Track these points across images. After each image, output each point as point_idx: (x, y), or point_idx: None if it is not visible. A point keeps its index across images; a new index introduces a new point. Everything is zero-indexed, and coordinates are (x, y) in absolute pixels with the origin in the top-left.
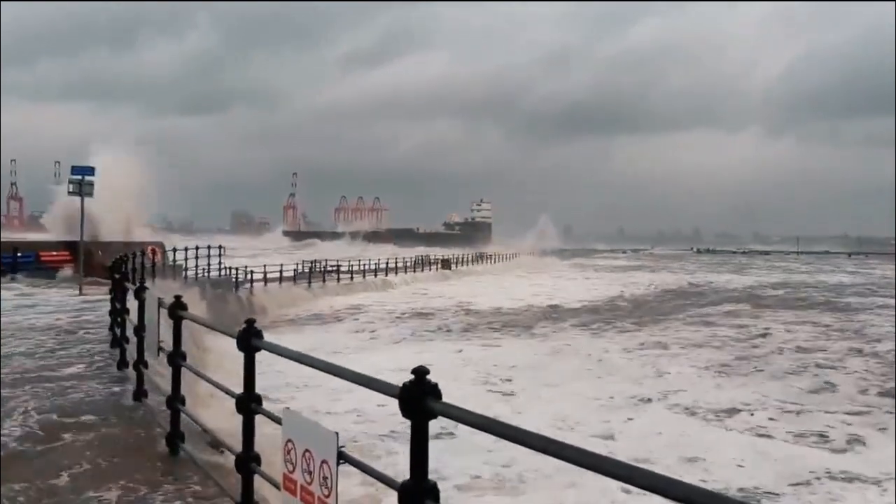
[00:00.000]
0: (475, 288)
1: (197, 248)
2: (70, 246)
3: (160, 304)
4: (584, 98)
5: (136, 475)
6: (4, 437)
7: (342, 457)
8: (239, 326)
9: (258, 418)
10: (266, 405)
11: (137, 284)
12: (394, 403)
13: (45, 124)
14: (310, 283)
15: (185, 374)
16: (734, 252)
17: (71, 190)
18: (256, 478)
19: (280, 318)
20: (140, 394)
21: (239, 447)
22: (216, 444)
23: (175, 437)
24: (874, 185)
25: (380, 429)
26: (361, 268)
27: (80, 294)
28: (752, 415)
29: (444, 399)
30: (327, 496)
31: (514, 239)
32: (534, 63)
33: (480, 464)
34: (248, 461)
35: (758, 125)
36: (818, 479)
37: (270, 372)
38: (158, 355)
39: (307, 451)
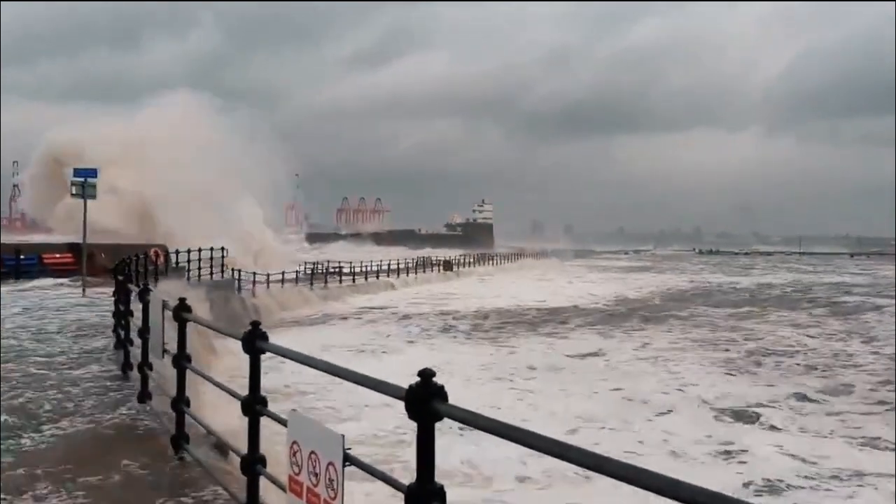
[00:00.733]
0: (502, 288)
1: (200, 249)
2: (73, 248)
3: (164, 306)
4: (585, 98)
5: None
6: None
7: (348, 458)
8: (244, 328)
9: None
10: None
11: (141, 286)
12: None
13: (45, 125)
14: (311, 284)
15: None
16: (736, 253)
17: (74, 192)
18: (262, 479)
19: (295, 319)
20: (144, 395)
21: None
22: (221, 446)
23: (180, 439)
24: (875, 185)
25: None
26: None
27: (84, 296)
28: None
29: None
30: (333, 498)
31: (515, 240)
32: (534, 63)
33: None
34: (253, 463)
35: (758, 125)
36: None
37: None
38: (163, 357)
39: (313, 452)
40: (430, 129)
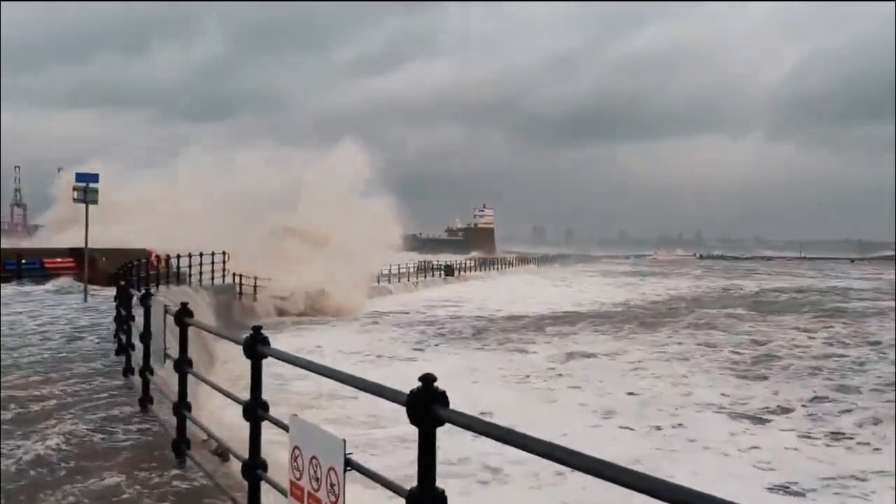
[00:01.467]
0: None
1: (201, 254)
2: (74, 253)
3: (166, 310)
4: (587, 103)
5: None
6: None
7: (349, 463)
8: (245, 333)
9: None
10: None
11: (143, 291)
12: None
13: (51, 130)
14: None
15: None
16: (737, 258)
17: (76, 197)
18: (263, 484)
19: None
20: (146, 400)
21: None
22: (222, 451)
23: (181, 444)
24: (877, 190)
25: None
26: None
27: (86, 301)
28: None
29: None
30: (335, 503)
31: (516, 244)
32: (538, 68)
33: None
34: (254, 468)
35: (760, 129)
36: None
37: None
38: (165, 362)
39: (314, 457)
40: (433, 133)
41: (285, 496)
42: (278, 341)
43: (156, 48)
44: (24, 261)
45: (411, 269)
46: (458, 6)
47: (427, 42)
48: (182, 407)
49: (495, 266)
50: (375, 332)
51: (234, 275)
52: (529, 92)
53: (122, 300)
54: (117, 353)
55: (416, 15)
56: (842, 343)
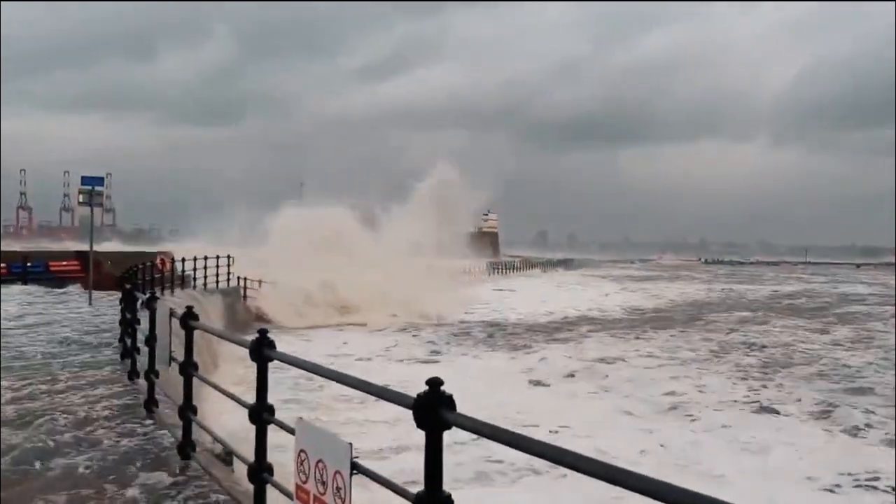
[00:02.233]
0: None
1: (206, 257)
2: (80, 256)
3: (171, 314)
4: (592, 108)
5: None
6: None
7: (356, 467)
8: (251, 336)
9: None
10: None
11: (148, 294)
12: None
13: (57, 133)
14: None
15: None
16: (741, 262)
17: (81, 200)
18: (269, 488)
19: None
20: (151, 403)
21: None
22: (226, 455)
23: (186, 447)
24: (882, 195)
25: None
26: None
27: (90, 305)
28: None
29: None
30: None
31: (520, 249)
32: (543, 74)
33: None
34: (260, 471)
35: (765, 135)
36: None
37: None
38: (170, 365)
39: (320, 461)
40: (438, 138)
41: (291, 499)
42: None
43: (163, 53)
44: (29, 263)
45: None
46: (465, 12)
47: (433, 47)
48: (187, 410)
49: (499, 270)
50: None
51: (238, 278)
52: (534, 96)
53: (128, 303)
54: (122, 356)
55: (422, 21)
56: None
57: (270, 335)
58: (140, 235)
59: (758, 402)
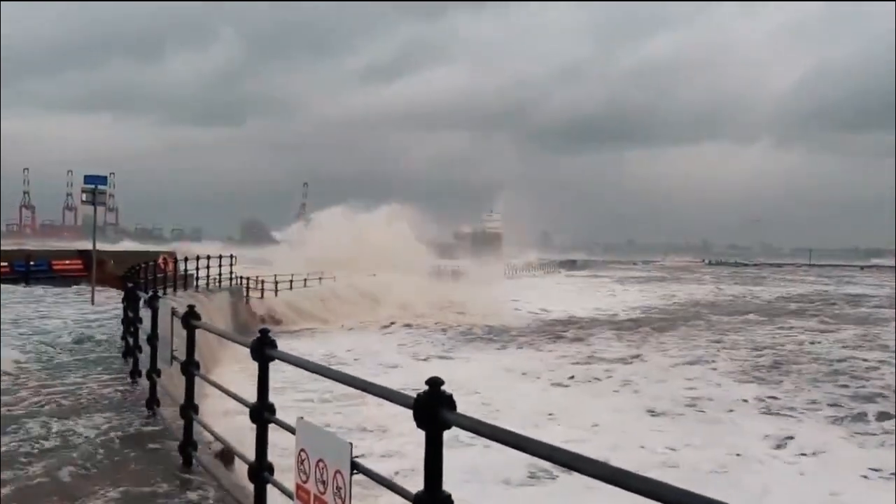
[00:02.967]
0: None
1: (209, 257)
2: (82, 255)
3: (173, 313)
4: (596, 110)
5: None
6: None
7: (356, 467)
8: (252, 336)
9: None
10: None
11: (150, 293)
12: None
13: (65, 134)
14: None
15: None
16: (745, 264)
17: (84, 199)
18: (270, 487)
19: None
20: (153, 402)
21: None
22: (226, 454)
23: (188, 446)
24: (884, 197)
25: None
26: None
27: (93, 304)
28: None
29: None
30: None
31: (524, 249)
32: (547, 76)
33: None
34: (261, 470)
35: (768, 137)
36: None
37: None
38: (171, 364)
39: (321, 460)
40: (442, 140)
41: (292, 499)
42: None
43: (169, 54)
44: (32, 262)
45: None
46: (469, 14)
47: (438, 50)
48: (189, 409)
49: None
50: None
51: (239, 278)
52: (538, 99)
53: (130, 302)
54: (124, 355)
55: (427, 23)
56: None
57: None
58: (144, 235)
59: None
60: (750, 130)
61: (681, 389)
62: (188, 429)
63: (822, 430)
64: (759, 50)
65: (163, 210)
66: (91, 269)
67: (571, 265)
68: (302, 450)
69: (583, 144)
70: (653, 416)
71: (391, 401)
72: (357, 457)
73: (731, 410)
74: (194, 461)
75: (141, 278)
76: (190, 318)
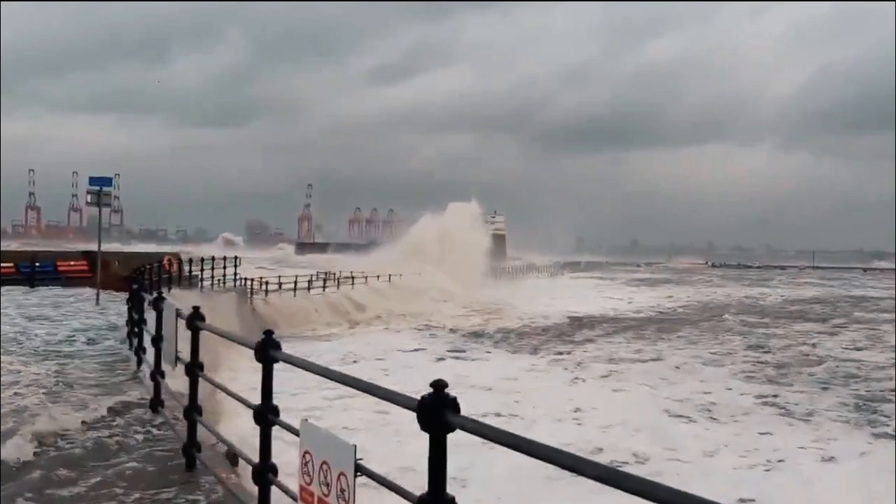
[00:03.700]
0: None
1: (213, 258)
2: (87, 256)
3: (178, 314)
4: (601, 112)
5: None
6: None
7: (359, 469)
8: (257, 338)
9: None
10: None
11: (155, 294)
12: None
13: (72, 135)
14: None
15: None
16: (748, 266)
17: (89, 201)
18: (274, 489)
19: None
20: (157, 403)
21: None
22: (233, 455)
23: (192, 448)
24: (889, 200)
25: None
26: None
27: (98, 304)
28: None
29: None
30: None
31: (527, 251)
32: (552, 78)
33: None
34: (265, 472)
35: (772, 139)
36: None
37: None
38: (176, 365)
39: (324, 462)
40: (447, 142)
41: (296, 501)
42: None
43: (176, 56)
44: (37, 263)
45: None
46: (475, 16)
47: (444, 52)
48: (193, 411)
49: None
50: None
51: (244, 279)
52: (543, 100)
53: (134, 303)
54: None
55: (433, 25)
56: None
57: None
58: (148, 236)
59: None
60: (754, 132)
61: None
62: (192, 430)
63: None
64: (763, 52)
65: (167, 211)
66: (96, 270)
67: (575, 267)
68: (306, 451)
69: (587, 146)
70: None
71: (395, 403)
72: (360, 459)
73: None
74: (198, 463)
75: (145, 279)
76: (194, 320)
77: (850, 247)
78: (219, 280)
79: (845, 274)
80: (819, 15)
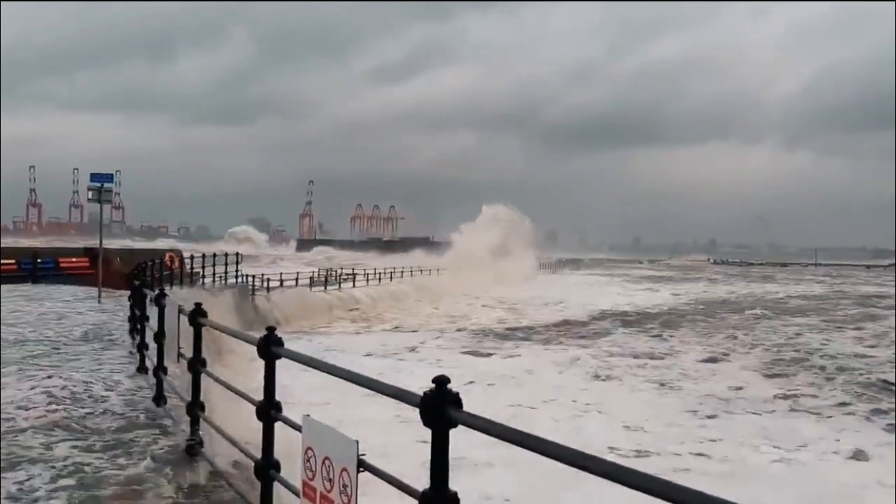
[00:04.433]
0: None
1: (214, 255)
2: (89, 252)
3: (180, 310)
4: (604, 111)
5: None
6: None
7: (362, 464)
8: (259, 334)
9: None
10: None
11: (157, 291)
12: None
13: (77, 133)
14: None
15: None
16: (751, 264)
17: (90, 197)
18: (276, 485)
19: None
20: (159, 399)
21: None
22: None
23: (194, 444)
24: (891, 198)
25: None
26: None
27: (100, 303)
28: None
29: None
30: None
31: (528, 249)
32: (556, 77)
33: None
34: (267, 468)
35: (776, 138)
36: None
37: None
38: (178, 361)
39: (327, 458)
40: (450, 140)
41: (298, 496)
42: None
43: (181, 54)
44: (39, 260)
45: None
46: (479, 16)
47: (447, 51)
48: (195, 407)
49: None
50: None
51: (245, 276)
52: (546, 99)
53: (137, 300)
54: (130, 352)
55: (437, 24)
56: None
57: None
58: (150, 233)
59: None
60: (757, 131)
61: None
62: (194, 426)
63: None
64: (767, 51)
65: (169, 208)
66: (97, 267)
67: (577, 264)
68: (308, 447)
69: (590, 144)
70: None
71: (398, 399)
72: (363, 454)
73: None
74: (201, 458)
75: (147, 276)
76: (197, 316)
77: (852, 244)
78: (220, 277)
79: (849, 271)
80: (820, 14)
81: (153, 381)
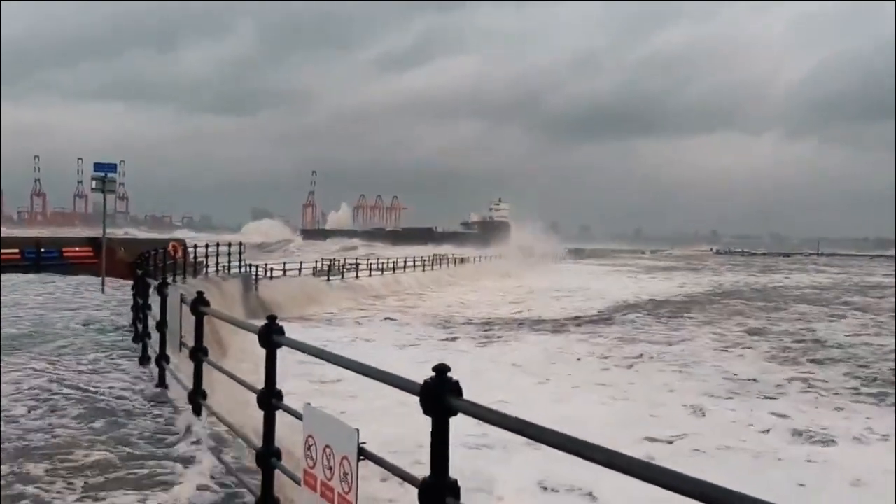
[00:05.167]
0: None
1: (218, 244)
2: (92, 242)
3: (182, 300)
4: (607, 101)
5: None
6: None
7: (363, 453)
8: (260, 322)
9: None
10: None
11: (160, 280)
12: None
13: (81, 123)
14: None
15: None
16: (753, 254)
17: (94, 187)
18: (277, 473)
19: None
20: (162, 387)
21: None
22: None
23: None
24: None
25: None
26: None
27: (103, 293)
28: None
29: None
30: (347, 492)
31: (532, 239)
32: (560, 67)
33: None
34: (268, 456)
35: (779, 128)
36: None
37: None
38: (181, 350)
39: (328, 446)
40: (454, 130)
41: (299, 484)
42: None
43: (186, 45)
44: (43, 249)
45: (426, 262)
46: (484, 5)
47: (452, 41)
48: (197, 395)
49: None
50: None
51: (249, 265)
52: (550, 89)
53: (140, 289)
54: (134, 340)
55: (442, 14)
56: None
57: None
58: (154, 223)
59: None
60: (761, 121)
61: None
62: (196, 414)
63: None
64: (771, 41)
65: (173, 198)
66: (101, 257)
67: (578, 254)
68: (309, 436)
69: (593, 134)
70: None
71: (397, 387)
72: (363, 443)
73: None
74: (203, 446)
75: (150, 266)
76: (199, 305)
77: (855, 234)
78: (224, 266)
79: (852, 262)
80: (824, 6)
81: (156, 370)
